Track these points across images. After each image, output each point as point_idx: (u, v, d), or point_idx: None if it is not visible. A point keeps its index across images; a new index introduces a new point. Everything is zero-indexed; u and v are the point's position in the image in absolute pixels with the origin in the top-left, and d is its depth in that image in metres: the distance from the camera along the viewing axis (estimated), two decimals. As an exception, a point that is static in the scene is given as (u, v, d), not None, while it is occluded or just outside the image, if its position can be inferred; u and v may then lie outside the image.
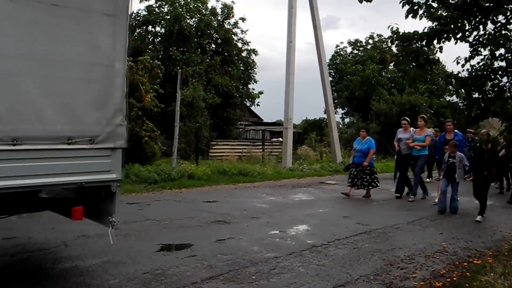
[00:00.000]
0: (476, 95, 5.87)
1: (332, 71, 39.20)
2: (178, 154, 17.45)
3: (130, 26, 30.42)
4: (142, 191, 12.43)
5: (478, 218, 9.50)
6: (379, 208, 11.01)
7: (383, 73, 37.38)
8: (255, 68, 33.78)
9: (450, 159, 10.30)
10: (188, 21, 30.61)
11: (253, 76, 33.89)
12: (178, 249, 6.77)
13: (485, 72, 5.67)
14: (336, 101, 37.22)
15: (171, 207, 10.34)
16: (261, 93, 34.01)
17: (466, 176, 10.36)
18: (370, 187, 12.33)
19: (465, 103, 6.07)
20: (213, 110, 26.13)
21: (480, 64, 5.77)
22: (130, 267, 5.66)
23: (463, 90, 5.95)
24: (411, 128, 12.56)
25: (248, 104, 35.12)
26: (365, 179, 12.27)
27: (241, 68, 32.85)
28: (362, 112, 33.51)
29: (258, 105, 35.10)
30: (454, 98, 6.42)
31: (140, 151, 15.97)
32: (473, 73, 5.72)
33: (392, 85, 35.80)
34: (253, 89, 34.15)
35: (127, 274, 5.39)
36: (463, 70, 5.81)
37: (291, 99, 19.96)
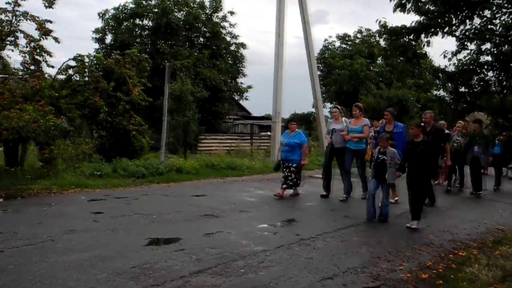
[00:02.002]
0: (462, 89, 5.92)
1: (320, 65, 39.22)
2: (166, 148, 17.40)
3: (118, 18, 30.34)
4: (130, 186, 12.38)
5: (414, 224, 8.07)
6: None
7: (371, 67, 37.54)
8: (244, 62, 33.75)
9: (380, 156, 8.69)
10: (176, 14, 30.46)
11: (242, 70, 33.87)
12: (166, 243, 6.76)
13: (471, 67, 5.72)
14: (324, 95, 37.29)
15: (159, 201, 10.31)
16: (249, 87, 34.02)
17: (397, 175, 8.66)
18: (295, 186, 11.04)
19: (452, 97, 6.12)
20: (201, 104, 26.05)
21: (467, 58, 5.82)
22: (118, 262, 5.65)
23: (450, 84, 6.00)
24: (344, 118, 11.25)
25: (236, 98, 35.09)
26: (289, 178, 10.87)
27: (230, 62, 32.78)
28: (350, 106, 33.60)
29: (246, 99, 35.11)
30: (441, 92, 6.46)
31: (128, 145, 15.89)
32: (460, 68, 5.78)
33: (380, 79, 35.95)
34: (242, 83, 34.14)
35: (115, 269, 5.38)
36: (450, 65, 5.87)
37: (279, 93, 19.95)
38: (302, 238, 7.08)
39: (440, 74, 6.04)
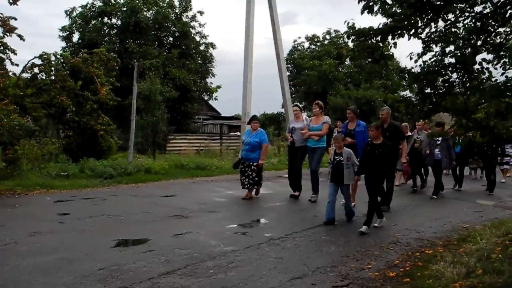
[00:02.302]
0: (428, 90, 6.02)
1: (290, 65, 39.46)
2: (134, 148, 17.23)
3: (85, 17, 29.85)
4: (97, 186, 12.21)
5: (377, 223, 8.10)
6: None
7: (339, 68, 37.95)
8: (213, 62, 33.65)
9: (336, 157, 8.40)
10: (145, 13, 30.15)
11: (211, 70, 33.76)
12: (134, 244, 6.69)
13: (436, 68, 5.82)
14: (293, 95, 37.45)
15: (128, 202, 10.20)
16: (219, 87, 33.92)
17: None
18: (256, 186, 10.87)
19: (418, 98, 6.22)
20: (170, 104, 25.87)
21: (432, 60, 5.92)
22: (85, 264, 5.56)
23: (415, 85, 6.09)
24: (304, 116, 11.27)
25: (206, 98, 34.95)
26: (251, 177, 10.67)
27: (199, 61, 32.63)
28: (319, 106, 33.90)
29: (216, 99, 35.02)
30: (408, 93, 6.58)
31: (95, 145, 15.68)
32: (425, 69, 5.87)
33: (349, 80, 36.37)
34: (211, 83, 34.03)
35: (82, 271, 5.29)
36: (416, 66, 5.94)
37: (249, 94, 19.98)
38: (272, 238, 7.10)
39: (406, 75, 6.13)
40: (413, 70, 6.01)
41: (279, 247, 6.70)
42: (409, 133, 13.77)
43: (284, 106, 23.64)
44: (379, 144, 7.93)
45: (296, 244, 6.88)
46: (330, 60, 36.54)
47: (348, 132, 9.93)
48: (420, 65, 5.93)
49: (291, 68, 39.83)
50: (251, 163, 10.66)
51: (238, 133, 25.94)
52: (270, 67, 60.73)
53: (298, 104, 11.60)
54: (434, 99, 5.98)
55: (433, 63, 5.87)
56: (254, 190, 10.94)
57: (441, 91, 5.96)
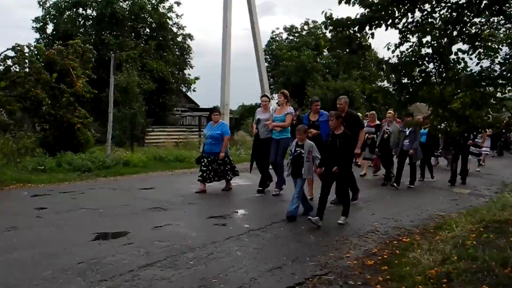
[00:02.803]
0: (405, 81, 6.08)
1: (268, 57, 39.40)
2: (112, 141, 17.06)
3: (59, 7, 29.33)
4: (75, 180, 12.08)
5: (341, 220, 7.74)
6: (317, 191, 11.25)
7: (318, 59, 38.02)
8: (191, 53, 33.38)
9: (297, 149, 8.09)
10: (121, 4, 29.72)
11: (189, 61, 33.50)
12: (114, 237, 6.65)
13: (413, 59, 5.88)
14: (272, 86, 37.50)
15: (106, 195, 10.12)
16: (197, 78, 33.67)
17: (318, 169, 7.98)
18: (228, 177, 10.60)
19: (395, 88, 6.28)
20: (148, 96, 25.63)
21: (409, 50, 5.98)
22: (64, 258, 5.51)
23: (393, 76, 6.14)
24: (271, 107, 10.88)
25: (184, 90, 34.69)
26: (219, 170, 10.40)
27: (177, 53, 32.36)
28: (297, 97, 33.96)
29: (194, 90, 34.72)
30: (385, 84, 6.62)
31: (72, 138, 15.48)
32: (402, 59, 5.93)
33: (327, 71, 36.52)
34: (189, 74, 33.77)
35: (60, 265, 5.24)
36: (393, 56, 6.00)
37: (227, 85, 19.94)
38: (251, 229, 7.12)
39: (384, 66, 6.17)
40: (390, 61, 6.06)
41: (259, 237, 6.73)
42: (377, 122, 13.94)
43: (260, 98, 23.62)
44: (340, 134, 7.59)
45: (275, 235, 6.91)
46: (308, 51, 36.60)
47: (311, 123, 9.44)
48: (397, 56, 5.99)
49: (269, 59, 39.77)
50: (216, 157, 10.28)
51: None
52: (248, 58, 60.75)
53: (268, 94, 11.11)
54: (411, 89, 6.05)
55: (410, 53, 5.94)
56: (226, 182, 10.71)
57: (418, 81, 6.04)
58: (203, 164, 10.31)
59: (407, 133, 11.93)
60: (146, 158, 15.66)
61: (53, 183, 11.49)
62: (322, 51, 37.45)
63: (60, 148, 14.65)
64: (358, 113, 12.83)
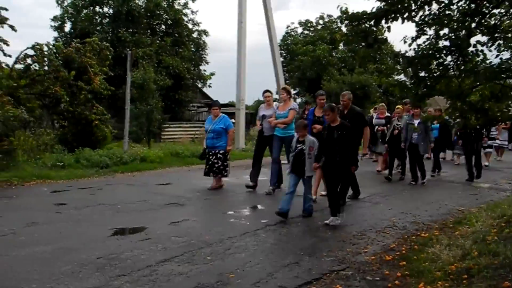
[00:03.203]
0: (422, 74, 5.99)
1: (283, 51, 39.28)
2: (129, 137, 17.18)
3: (76, 6, 29.57)
4: (93, 176, 12.17)
5: (330, 220, 7.21)
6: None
7: (333, 53, 37.80)
8: (207, 49, 33.48)
9: (298, 145, 7.71)
10: (137, 1, 29.88)
11: (205, 57, 33.60)
12: (131, 232, 6.68)
13: (430, 51, 5.78)
14: (287, 81, 37.32)
15: (124, 191, 10.18)
16: (212, 74, 33.79)
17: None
18: (220, 175, 10.24)
19: (412, 81, 6.19)
20: (164, 92, 25.77)
21: (426, 43, 5.88)
22: (83, 253, 5.55)
23: (410, 69, 6.05)
24: (275, 103, 10.53)
25: (200, 85, 34.80)
26: (215, 166, 10.13)
27: (192, 49, 32.45)
28: (313, 92, 33.79)
29: (210, 86, 34.89)
30: (402, 77, 6.53)
31: (90, 135, 15.62)
32: (419, 52, 5.83)
33: (343, 65, 36.26)
34: (205, 70, 33.88)
35: (80, 260, 5.28)
36: (410, 50, 5.90)
37: (242, 80, 19.92)
38: (268, 224, 7.11)
39: (400, 59, 6.09)
40: (407, 54, 5.97)
41: (276, 233, 6.71)
42: (387, 114, 13.65)
43: (278, 93, 23.57)
44: (337, 126, 7.28)
45: (292, 230, 6.89)
46: (323, 45, 36.40)
47: (316, 119, 9.06)
48: (414, 49, 5.89)
49: (284, 54, 39.65)
50: (217, 151, 10.11)
51: (233, 120, 25.83)
52: (263, 53, 60.52)
53: (270, 90, 10.67)
54: (428, 83, 5.95)
55: (427, 46, 5.84)
56: (216, 179, 10.31)
57: (435, 75, 5.93)
58: (208, 158, 10.21)
59: (416, 124, 11.45)
60: (162, 154, 15.71)
61: (72, 179, 11.59)
62: (338, 45, 37.20)
63: (79, 144, 14.77)
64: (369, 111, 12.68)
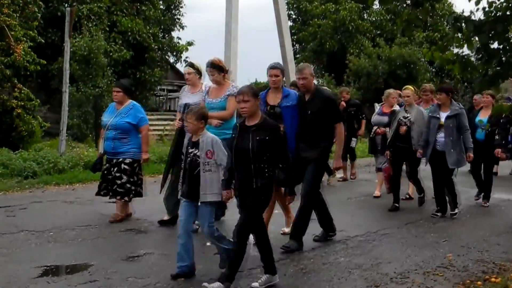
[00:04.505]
0: (495, 46, 5.98)
1: (292, 12, 39.35)
2: (68, 134, 17.14)
3: None
4: (14, 189, 12.15)
5: (262, 282, 6.30)
6: (358, 206, 11.18)
7: (364, 15, 37.83)
8: (181, 7, 33.45)
9: (190, 150, 6.57)
10: None
11: (179, 19, 33.55)
12: (69, 272, 6.66)
13: (508, 12, 5.78)
14: (298, 56, 37.44)
15: (59, 211, 10.17)
16: (190, 44, 33.70)
17: None
18: (126, 198, 9.31)
19: (479, 56, 6.18)
20: (120, 68, 25.75)
21: (502, 1, 5.87)
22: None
23: (477, 39, 6.05)
24: (205, 84, 9.32)
25: (172, 60, 34.78)
26: (118, 182, 9.17)
27: (161, 7, 32.42)
28: (335, 71, 33.87)
29: (186, 61, 34.84)
30: (465, 50, 6.51)
31: (9, 129, 15.58)
32: (491, 14, 5.82)
33: (378, 32, 36.31)
34: (179, 38, 33.83)
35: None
36: (478, 10, 5.89)
37: (233, 54, 19.92)
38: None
39: (463, 25, 6.09)
40: (473, 17, 5.96)
41: (279, 272, 6.68)
42: (396, 107, 11.71)
43: (285, 72, 23.59)
44: (256, 127, 6.26)
45: (303, 269, 6.89)
46: (350, 4, 36.42)
47: (269, 110, 8.08)
48: (484, 9, 5.88)
49: (294, 17, 39.73)
50: (120, 160, 9.22)
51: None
52: (264, 15, 60.57)
53: (194, 63, 9.45)
54: (503, 58, 5.94)
55: (504, 5, 5.83)
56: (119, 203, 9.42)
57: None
58: (104, 171, 9.39)
59: (442, 120, 10.08)
60: (116, 158, 15.71)
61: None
62: (371, 3, 37.31)
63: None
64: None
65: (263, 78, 39.83)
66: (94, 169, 9.79)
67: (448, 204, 10.30)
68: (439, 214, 10.22)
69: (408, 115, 10.62)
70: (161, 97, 34.70)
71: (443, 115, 10.06)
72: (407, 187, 11.71)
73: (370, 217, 10.03)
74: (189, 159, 6.54)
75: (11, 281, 6.19)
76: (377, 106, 13.28)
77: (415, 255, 7.65)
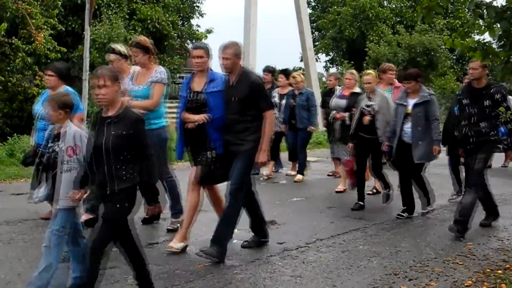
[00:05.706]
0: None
1: (312, 0, 39.22)
2: (88, 121, 17.18)
3: None
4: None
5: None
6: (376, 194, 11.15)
7: (384, 2, 37.63)
8: (201, -5, 33.45)
9: (51, 145, 5.65)
10: None
11: (198, 7, 33.54)
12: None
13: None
14: (317, 43, 37.38)
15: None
16: (209, 32, 33.70)
17: None
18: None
19: (501, 44, 6.12)
20: (139, 56, 25.77)
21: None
22: None
23: (499, 25, 5.99)
24: (133, 68, 8.22)
25: (191, 47, 34.81)
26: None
27: (180, -6, 32.45)
28: (354, 58, 33.77)
29: (205, 49, 34.86)
30: (486, 37, 6.45)
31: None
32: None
33: (398, 19, 36.11)
34: (198, 26, 33.83)
35: None
36: (501, -4, 5.84)
37: (252, 41, 19.93)
38: (286, 248, 7.11)
39: (485, 11, 6.03)
40: (494, 3, 5.90)
41: (297, 261, 6.70)
42: (357, 89, 11.02)
43: (303, 59, 23.56)
44: (110, 119, 5.25)
45: (321, 257, 6.89)
46: (370, -10, 36.32)
47: (192, 96, 7.22)
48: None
49: (313, 4, 39.57)
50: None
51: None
52: (283, 4, 60.41)
53: (113, 47, 8.54)
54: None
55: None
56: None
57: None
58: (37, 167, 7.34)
59: (410, 108, 9.03)
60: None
61: (3, 181, 11.63)
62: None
63: (14, 130, 14.82)
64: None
65: (282, 65, 39.87)
66: (25, 162, 8.80)
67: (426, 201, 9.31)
68: (405, 214, 9.13)
69: (371, 103, 9.59)
70: (180, 85, 34.72)
71: (410, 103, 9.02)
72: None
73: (389, 205, 9.94)
74: (48, 154, 5.68)
75: None
76: (337, 89, 12.11)
77: (434, 244, 7.61)
